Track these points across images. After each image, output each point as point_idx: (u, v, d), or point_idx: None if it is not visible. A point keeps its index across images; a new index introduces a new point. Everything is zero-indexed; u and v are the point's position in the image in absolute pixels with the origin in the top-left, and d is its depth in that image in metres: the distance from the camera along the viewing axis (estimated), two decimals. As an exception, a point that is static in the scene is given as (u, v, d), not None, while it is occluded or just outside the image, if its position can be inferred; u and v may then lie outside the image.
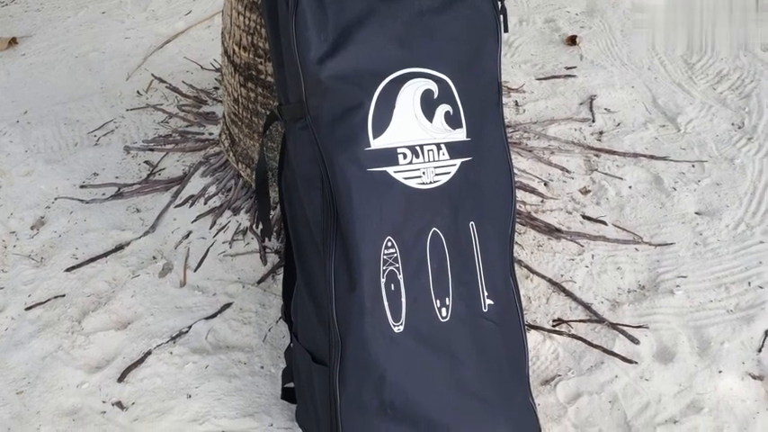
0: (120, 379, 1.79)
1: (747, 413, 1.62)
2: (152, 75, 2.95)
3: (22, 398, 1.77)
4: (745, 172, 2.27)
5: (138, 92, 2.87)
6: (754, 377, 1.70)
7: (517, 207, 1.73)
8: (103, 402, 1.75)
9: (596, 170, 2.30)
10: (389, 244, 1.37)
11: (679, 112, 2.55)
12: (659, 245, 2.05)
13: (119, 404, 1.74)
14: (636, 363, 1.74)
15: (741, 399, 1.66)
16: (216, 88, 2.84)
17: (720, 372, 1.71)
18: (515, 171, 1.96)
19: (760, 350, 1.76)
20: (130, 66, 3.06)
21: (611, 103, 2.61)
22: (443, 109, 1.43)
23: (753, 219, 2.11)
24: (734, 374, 1.71)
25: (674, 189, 2.22)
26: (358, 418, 1.37)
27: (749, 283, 1.92)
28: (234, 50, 2.05)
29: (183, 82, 2.89)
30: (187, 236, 2.18)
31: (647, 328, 1.82)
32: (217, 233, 2.16)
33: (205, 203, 2.26)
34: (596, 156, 2.36)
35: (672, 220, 2.12)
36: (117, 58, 3.13)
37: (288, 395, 1.67)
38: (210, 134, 2.56)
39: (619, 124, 2.51)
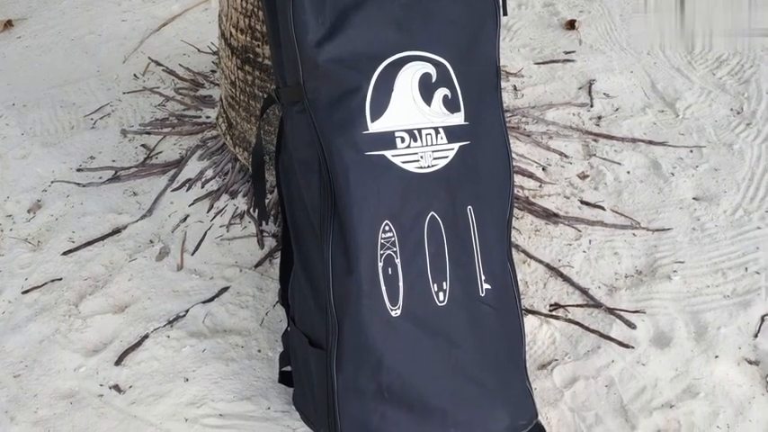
0: (118, 362, 1.79)
1: (743, 398, 1.63)
2: (149, 58, 2.93)
3: (20, 381, 1.77)
4: (743, 157, 2.27)
5: (134, 75, 2.86)
6: (750, 362, 1.71)
7: (515, 192, 1.72)
8: (101, 386, 1.75)
9: (594, 155, 2.30)
10: (387, 228, 1.37)
11: (678, 97, 2.54)
12: (657, 230, 2.05)
13: (116, 387, 1.74)
14: (632, 347, 1.75)
15: (737, 384, 1.66)
16: (213, 71, 2.82)
17: (717, 357, 1.72)
18: (513, 156, 1.95)
19: (756, 335, 1.76)
20: (127, 49, 3.04)
21: (610, 88, 2.60)
22: (442, 93, 1.42)
23: (750, 204, 2.11)
24: (730, 359, 1.71)
25: (672, 174, 2.21)
26: (355, 401, 1.37)
27: (746, 269, 1.93)
28: (231, 33, 2.04)
29: (180, 65, 2.88)
30: (184, 219, 2.17)
31: (643, 313, 1.83)
32: (214, 217, 2.16)
33: (202, 187, 2.26)
34: (594, 141, 2.36)
35: (669, 206, 2.12)
36: (113, 41, 3.11)
37: (285, 379, 1.67)
38: (207, 117, 2.55)
39: (617, 109, 2.50)
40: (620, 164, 2.26)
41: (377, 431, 1.38)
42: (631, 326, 1.79)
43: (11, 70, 2.96)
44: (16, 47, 3.13)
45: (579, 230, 2.05)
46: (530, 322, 1.80)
